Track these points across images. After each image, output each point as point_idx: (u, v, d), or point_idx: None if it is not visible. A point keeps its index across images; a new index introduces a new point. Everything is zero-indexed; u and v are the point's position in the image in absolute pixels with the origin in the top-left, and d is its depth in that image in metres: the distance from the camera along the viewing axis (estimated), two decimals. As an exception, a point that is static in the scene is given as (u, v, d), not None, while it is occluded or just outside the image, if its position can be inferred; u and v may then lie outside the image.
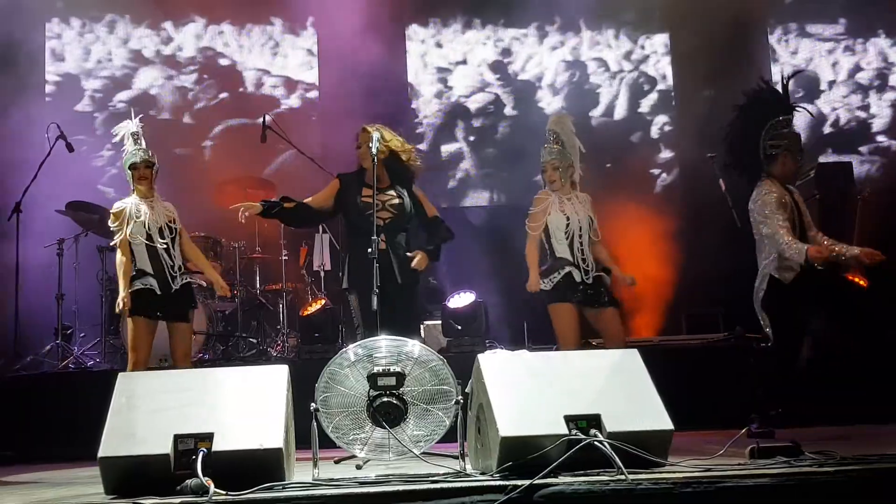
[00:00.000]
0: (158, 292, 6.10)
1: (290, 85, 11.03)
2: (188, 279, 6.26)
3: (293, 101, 11.02)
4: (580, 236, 6.30)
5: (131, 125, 6.27)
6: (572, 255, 6.29)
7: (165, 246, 6.16)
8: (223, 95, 10.89)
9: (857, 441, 5.29)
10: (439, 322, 8.22)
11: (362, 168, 6.14)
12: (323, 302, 8.14)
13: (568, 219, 6.31)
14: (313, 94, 11.01)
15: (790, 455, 4.08)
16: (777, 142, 6.05)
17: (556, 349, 6.40)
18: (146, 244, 6.14)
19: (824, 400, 6.88)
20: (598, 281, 6.31)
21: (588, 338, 6.63)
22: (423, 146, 10.51)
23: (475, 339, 7.86)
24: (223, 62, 11.00)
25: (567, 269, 6.26)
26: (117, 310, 6.19)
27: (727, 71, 10.10)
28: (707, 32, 10.25)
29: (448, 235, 6.36)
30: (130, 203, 6.20)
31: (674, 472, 3.81)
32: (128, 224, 6.12)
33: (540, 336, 8.61)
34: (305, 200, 6.27)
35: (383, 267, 5.67)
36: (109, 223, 6.25)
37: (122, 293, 6.07)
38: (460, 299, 8.18)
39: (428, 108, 11.16)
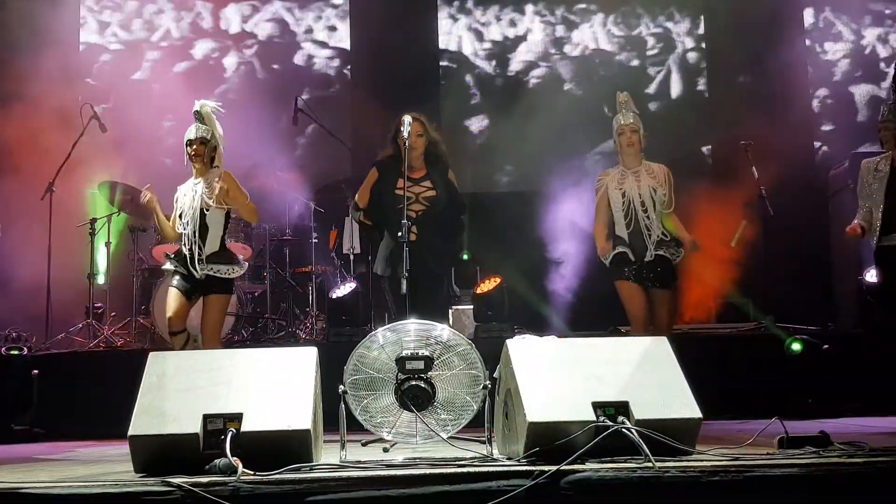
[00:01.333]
0: (186, 284, 6.19)
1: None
2: (212, 272, 6.18)
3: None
4: (644, 211, 6.25)
5: (196, 103, 6.28)
6: (628, 233, 6.28)
7: (187, 231, 6.18)
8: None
9: (886, 433, 5.26)
10: (470, 307, 8.22)
11: (398, 154, 6.13)
12: (354, 286, 8.15)
13: (623, 195, 6.29)
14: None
15: (819, 445, 4.06)
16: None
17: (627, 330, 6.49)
18: (182, 232, 6.24)
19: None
20: (657, 260, 6.24)
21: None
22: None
23: (503, 324, 7.86)
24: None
25: (619, 248, 6.27)
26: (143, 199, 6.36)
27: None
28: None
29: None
30: (182, 188, 6.31)
31: (701, 460, 3.82)
32: (175, 209, 6.30)
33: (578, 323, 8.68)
34: (359, 201, 6.39)
35: (414, 255, 5.69)
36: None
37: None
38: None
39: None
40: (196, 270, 6.14)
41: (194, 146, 6.21)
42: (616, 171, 6.40)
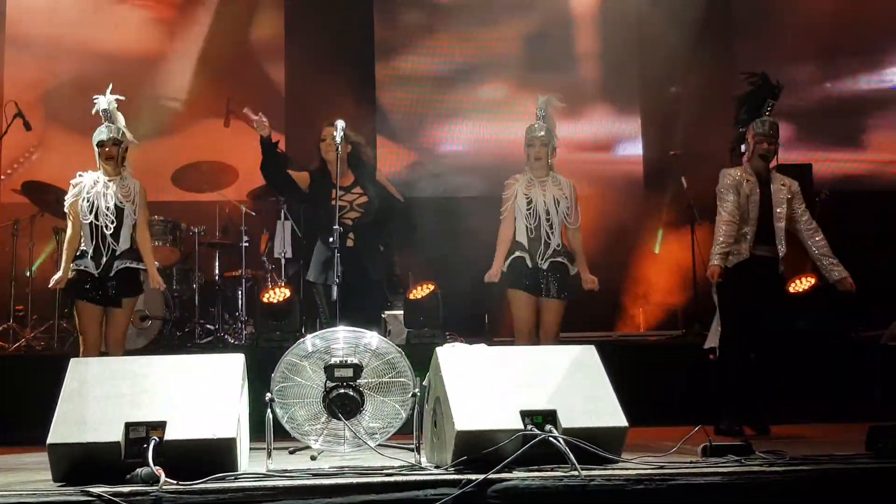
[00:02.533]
0: (95, 274, 6.05)
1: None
2: (128, 265, 6.11)
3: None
4: (547, 220, 6.23)
5: (102, 101, 6.13)
6: (528, 239, 6.25)
7: (108, 228, 6.06)
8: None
9: (810, 441, 5.36)
10: (401, 312, 8.23)
11: (325, 164, 6.13)
12: (288, 293, 8.10)
13: (530, 202, 6.25)
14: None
15: (741, 454, 4.12)
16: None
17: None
18: (92, 222, 6.06)
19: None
20: (553, 268, 6.23)
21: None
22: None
23: (435, 330, 7.88)
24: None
25: (518, 253, 6.23)
26: (50, 286, 6.21)
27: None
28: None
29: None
30: (89, 177, 6.14)
31: (627, 468, 3.86)
32: (78, 196, 6.09)
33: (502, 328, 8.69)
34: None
35: (351, 262, 5.68)
36: (67, 196, 6.18)
37: (60, 271, 6.11)
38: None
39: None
40: (107, 267, 6.05)
41: (107, 147, 6.09)
42: (524, 178, 6.37)
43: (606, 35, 10.79)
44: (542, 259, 6.20)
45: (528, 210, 6.24)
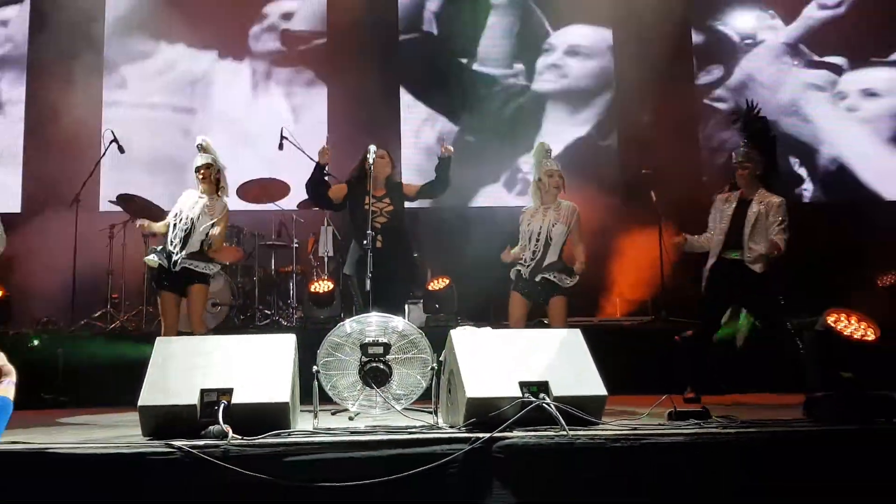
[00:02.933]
0: (165, 266, 6.23)
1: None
2: (189, 265, 6.22)
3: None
4: (537, 242, 6.22)
5: (198, 138, 6.47)
6: (529, 256, 6.24)
7: (182, 232, 6.23)
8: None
9: (758, 408, 5.35)
10: (421, 301, 8.23)
11: (363, 175, 6.11)
12: (331, 285, 8.14)
13: (530, 229, 6.27)
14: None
15: (700, 418, 4.13)
16: None
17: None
18: (175, 224, 6.30)
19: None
20: (543, 282, 6.21)
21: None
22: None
23: (449, 316, 7.88)
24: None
25: (518, 267, 6.28)
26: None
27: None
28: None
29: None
30: (190, 193, 6.43)
31: (606, 430, 3.86)
32: (176, 205, 6.39)
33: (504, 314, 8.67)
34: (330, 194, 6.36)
35: (380, 260, 5.70)
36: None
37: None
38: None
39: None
40: (175, 264, 6.19)
41: (202, 171, 6.35)
42: (532, 209, 6.38)
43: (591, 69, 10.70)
44: (536, 274, 6.21)
45: (528, 236, 6.28)
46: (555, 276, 6.20)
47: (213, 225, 6.26)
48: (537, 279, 6.21)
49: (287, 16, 10.66)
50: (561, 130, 10.37)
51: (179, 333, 6.22)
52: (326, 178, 6.30)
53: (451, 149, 6.31)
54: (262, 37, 10.60)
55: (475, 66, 10.64)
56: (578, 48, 10.70)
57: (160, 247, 6.34)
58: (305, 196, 8.70)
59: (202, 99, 10.46)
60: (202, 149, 6.39)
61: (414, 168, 9.76)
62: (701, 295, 6.33)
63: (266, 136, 9.32)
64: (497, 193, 10.33)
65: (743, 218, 6.14)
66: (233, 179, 7.23)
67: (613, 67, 10.58)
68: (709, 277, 6.25)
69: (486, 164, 10.14)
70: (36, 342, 6.94)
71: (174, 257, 6.21)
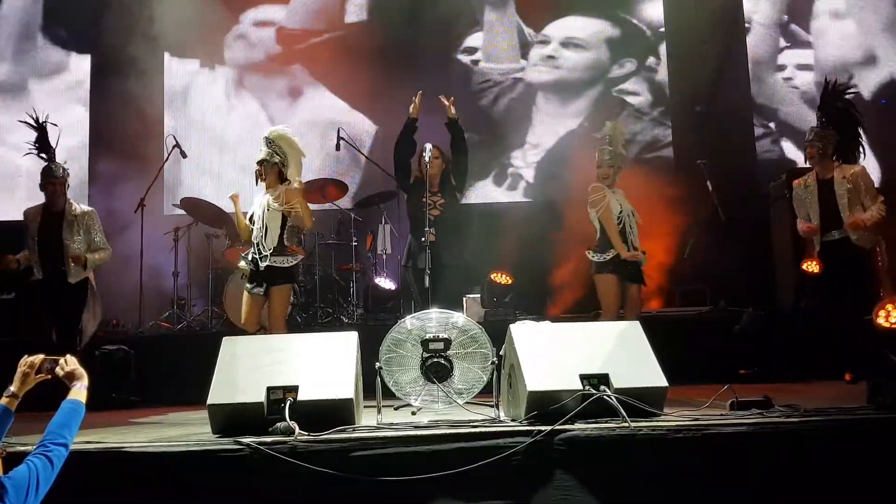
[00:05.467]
0: (253, 269, 6.11)
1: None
2: (272, 263, 6.05)
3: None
4: (629, 223, 6.32)
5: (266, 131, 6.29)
6: (624, 238, 6.30)
7: (258, 235, 6.10)
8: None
9: (820, 395, 5.23)
10: (478, 295, 8.21)
11: (423, 175, 6.30)
12: (393, 284, 8.22)
13: (621, 207, 6.33)
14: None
15: (763, 408, 4.06)
16: None
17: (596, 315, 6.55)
18: (253, 229, 6.18)
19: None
20: (635, 260, 6.31)
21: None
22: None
23: (508, 310, 7.85)
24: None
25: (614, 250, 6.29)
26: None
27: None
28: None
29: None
30: (257, 198, 6.26)
31: (668, 421, 3.83)
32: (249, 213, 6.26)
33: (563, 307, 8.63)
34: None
35: (434, 251, 5.80)
36: None
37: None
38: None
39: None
40: (259, 263, 6.06)
41: (258, 167, 6.18)
42: (604, 186, 6.38)
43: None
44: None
45: (619, 214, 6.32)
46: (642, 257, 6.36)
47: (287, 214, 6.08)
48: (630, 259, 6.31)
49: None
50: (556, 122, 10.24)
51: (255, 333, 6.12)
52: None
53: (453, 110, 6.38)
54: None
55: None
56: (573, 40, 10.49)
57: (249, 252, 6.19)
58: (361, 196, 8.95)
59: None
60: (266, 141, 6.18)
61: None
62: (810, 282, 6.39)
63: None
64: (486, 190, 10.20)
65: (831, 198, 6.12)
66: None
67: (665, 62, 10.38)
68: (822, 261, 6.23)
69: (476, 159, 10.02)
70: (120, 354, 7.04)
71: (259, 259, 6.07)
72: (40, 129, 6.63)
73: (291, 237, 8.26)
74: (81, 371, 3.19)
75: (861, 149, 6.36)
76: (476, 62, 10.43)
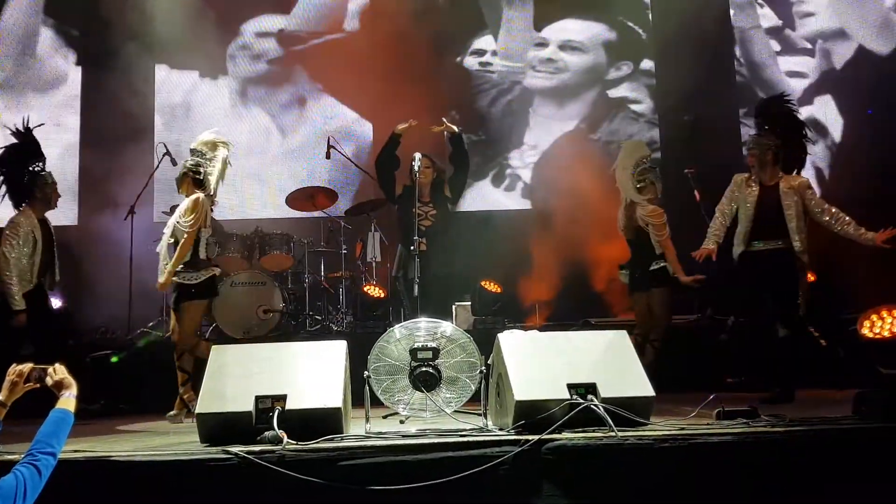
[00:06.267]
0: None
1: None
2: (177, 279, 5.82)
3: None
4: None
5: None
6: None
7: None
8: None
9: (804, 405, 5.26)
10: (469, 303, 8.21)
11: (413, 184, 6.19)
12: (382, 292, 8.22)
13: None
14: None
15: (749, 417, 4.07)
16: None
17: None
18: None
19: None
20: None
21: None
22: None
23: (497, 318, 7.87)
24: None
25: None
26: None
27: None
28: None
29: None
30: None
31: (654, 430, 3.84)
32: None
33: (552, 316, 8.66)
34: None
35: (424, 261, 5.80)
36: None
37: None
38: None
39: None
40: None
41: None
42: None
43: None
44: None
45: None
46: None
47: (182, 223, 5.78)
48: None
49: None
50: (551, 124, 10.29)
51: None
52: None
53: (454, 128, 6.40)
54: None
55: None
56: (571, 42, 10.56)
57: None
58: (350, 204, 8.95)
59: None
60: (191, 151, 6.04)
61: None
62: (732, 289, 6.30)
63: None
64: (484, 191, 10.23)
65: (773, 206, 5.92)
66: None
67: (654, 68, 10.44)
68: (741, 268, 6.06)
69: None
70: (114, 359, 7.00)
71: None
72: (30, 137, 6.57)
73: (280, 247, 8.31)
74: (70, 380, 3.18)
75: (804, 156, 6.29)
76: (486, 64, 10.47)
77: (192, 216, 5.75)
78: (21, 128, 6.56)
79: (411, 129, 6.43)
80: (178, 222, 5.81)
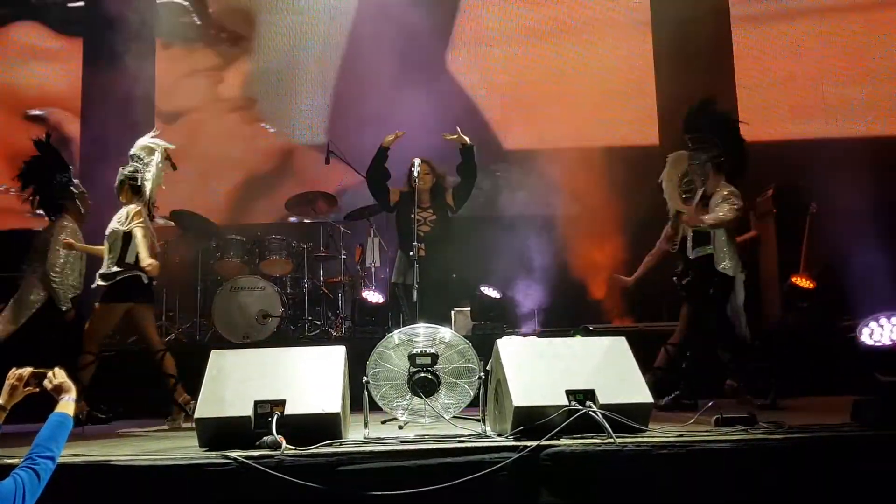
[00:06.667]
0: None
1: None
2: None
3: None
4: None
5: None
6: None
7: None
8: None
9: (803, 411, 5.27)
10: (468, 309, 8.21)
11: (412, 189, 6.18)
12: (381, 297, 8.23)
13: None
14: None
15: (748, 424, 4.08)
16: None
17: None
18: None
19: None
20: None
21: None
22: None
23: (496, 324, 7.86)
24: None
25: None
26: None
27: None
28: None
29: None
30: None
31: (653, 437, 3.84)
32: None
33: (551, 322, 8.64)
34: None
35: (423, 267, 5.78)
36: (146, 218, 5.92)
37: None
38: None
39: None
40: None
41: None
42: None
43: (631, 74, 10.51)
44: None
45: None
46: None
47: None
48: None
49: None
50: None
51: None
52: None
53: (466, 139, 6.35)
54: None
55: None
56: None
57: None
58: (350, 208, 8.94)
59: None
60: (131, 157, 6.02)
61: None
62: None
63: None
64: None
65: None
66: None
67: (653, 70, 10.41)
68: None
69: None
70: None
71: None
72: (52, 148, 6.52)
73: (279, 252, 8.33)
74: (70, 384, 3.18)
75: (745, 158, 6.14)
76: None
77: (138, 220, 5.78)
78: (44, 141, 6.50)
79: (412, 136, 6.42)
80: (117, 227, 5.85)
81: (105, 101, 9.86)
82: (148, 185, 5.96)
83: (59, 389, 3.16)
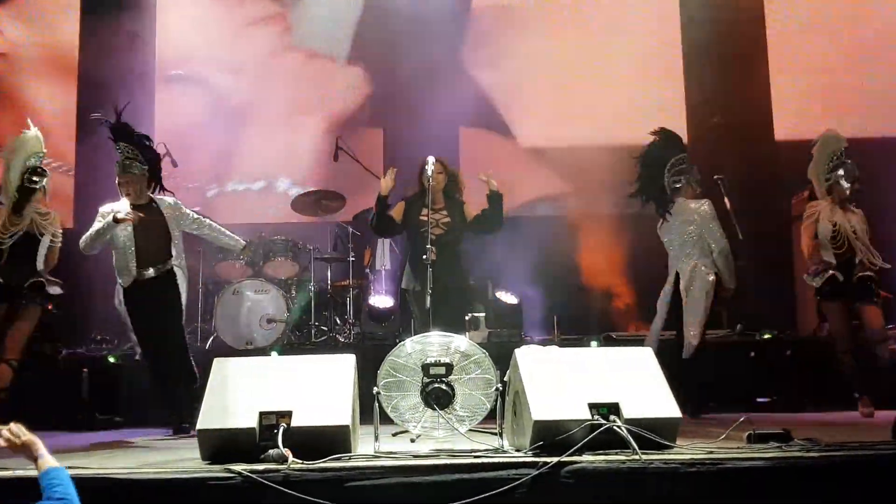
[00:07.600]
0: None
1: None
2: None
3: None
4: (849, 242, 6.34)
5: None
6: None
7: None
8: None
9: (840, 428, 5.25)
10: (483, 315, 8.22)
11: (423, 190, 6.17)
12: (391, 301, 8.25)
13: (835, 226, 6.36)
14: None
15: (782, 441, 4.05)
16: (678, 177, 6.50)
17: None
18: None
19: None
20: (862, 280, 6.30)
21: None
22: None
23: (512, 331, 7.87)
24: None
25: (831, 272, 6.35)
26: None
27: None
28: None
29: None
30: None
31: (681, 454, 3.83)
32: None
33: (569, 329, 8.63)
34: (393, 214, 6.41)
35: (436, 272, 5.76)
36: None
37: None
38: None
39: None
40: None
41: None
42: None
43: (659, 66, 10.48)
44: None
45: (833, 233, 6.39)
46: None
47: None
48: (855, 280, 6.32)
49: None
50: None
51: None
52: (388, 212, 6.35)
53: (495, 185, 6.28)
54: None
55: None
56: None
57: None
58: (359, 209, 8.97)
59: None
60: None
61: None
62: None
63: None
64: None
65: None
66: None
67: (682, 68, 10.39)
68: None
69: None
70: (112, 360, 7.05)
71: None
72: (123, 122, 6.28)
73: (285, 254, 8.35)
74: (33, 437, 3.01)
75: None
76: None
77: None
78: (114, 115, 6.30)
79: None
80: None
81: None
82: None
83: (30, 447, 2.99)
